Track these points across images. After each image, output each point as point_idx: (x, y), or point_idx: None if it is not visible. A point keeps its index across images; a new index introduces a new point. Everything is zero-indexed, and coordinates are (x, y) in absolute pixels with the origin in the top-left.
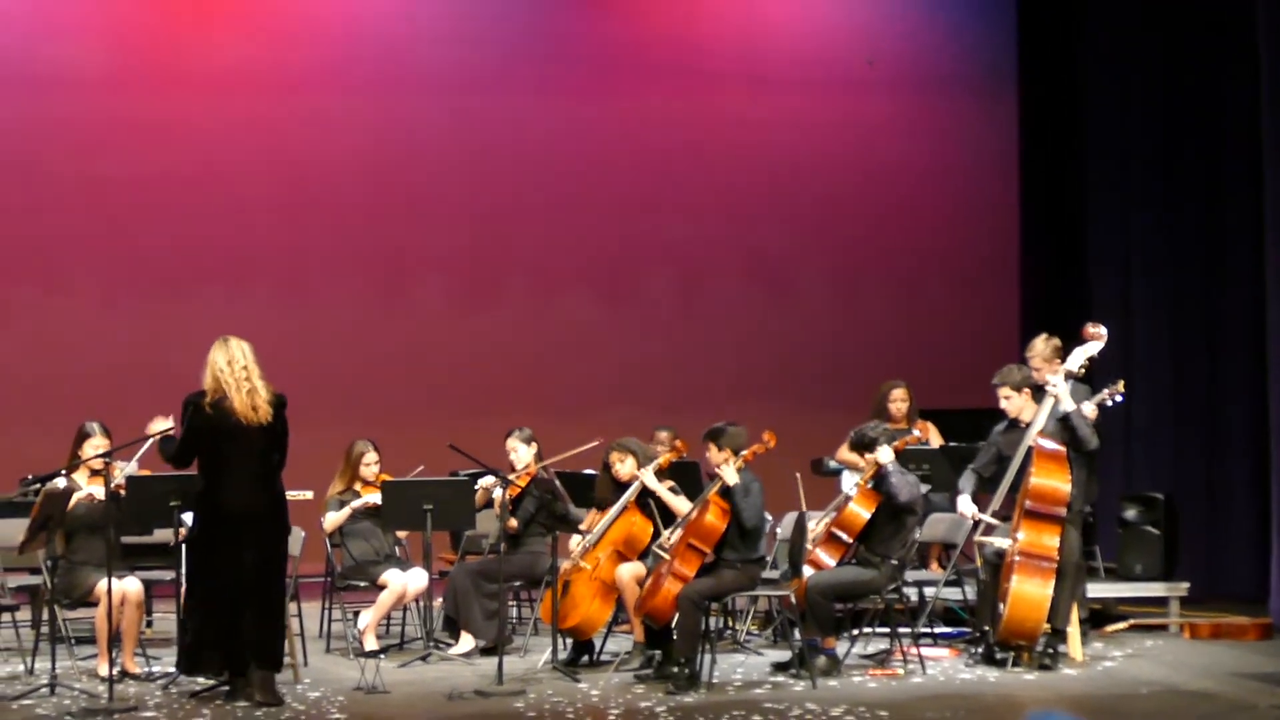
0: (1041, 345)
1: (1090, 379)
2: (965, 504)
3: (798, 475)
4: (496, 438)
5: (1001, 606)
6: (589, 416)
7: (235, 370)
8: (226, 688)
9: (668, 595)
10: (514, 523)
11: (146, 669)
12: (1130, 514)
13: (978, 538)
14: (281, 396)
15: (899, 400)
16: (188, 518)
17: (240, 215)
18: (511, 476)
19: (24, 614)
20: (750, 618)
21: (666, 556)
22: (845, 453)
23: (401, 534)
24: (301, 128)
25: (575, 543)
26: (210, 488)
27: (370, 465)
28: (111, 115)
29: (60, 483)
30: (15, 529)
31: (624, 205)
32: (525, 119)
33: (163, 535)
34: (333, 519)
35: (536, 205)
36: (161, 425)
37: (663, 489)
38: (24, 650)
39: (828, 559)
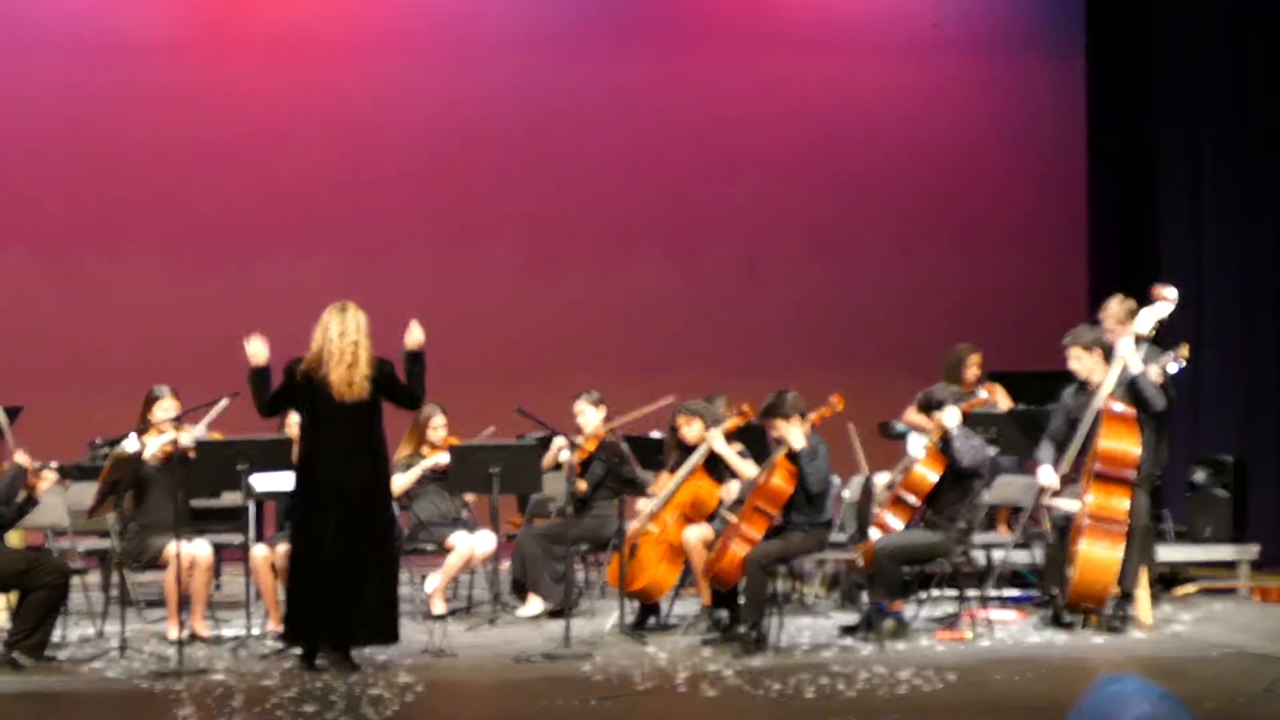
0: (1116, 306)
1: (1160, 341)
2: (1047, 475)
3: (850, 426)
4: (564, 401)
5: (1070, 570)
6: (655, 380)
7: (344, 342)
8: (299, 651)
9: (735, 558)
10: (583, 485)
11: (215, 632)
12: (1199, 477)
13: (1046, 501)
14: (386, 365)
15: (974, 365)
16: (256, 481)
17: (306, 181)
18: (579, 440)
19: (94, 577)
20: (817, 580)
21: (734, 519)
22: (912, 415)
23: (469, 497)
24: (367, 93)
25: (642, 506)
26: (305, 459)
27: (438, 429)
28: (176, 81)
29: (129, 446)
30: (85, 493)
31: (691, 169)
32: (593, 83)
33: (231, 499)
34: (400, 482)
35: (604, 170)
36: (261, 353)
37: (730, 452)
38: (94, 613)
39: (895, 522)
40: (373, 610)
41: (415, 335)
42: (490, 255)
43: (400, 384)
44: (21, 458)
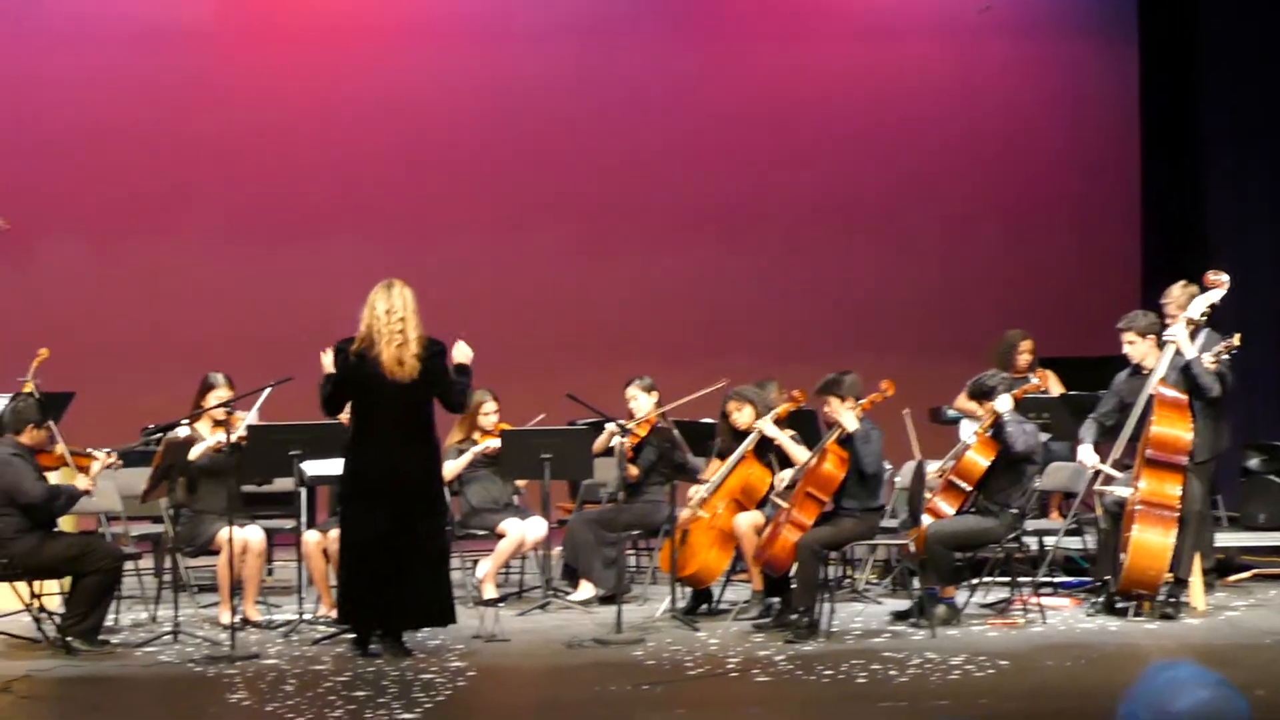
0: (1178, 291)
1: (1214, 326)
2: (1087, 453)
3: (906, 412)
4: (616, 386)
5: (1122, 556)
6: (705, 366)
7: (392, 320)
8: (352, 635)
9: (786, 544)
10: (635, 471)
11: (268, 617)
12: (1253, 463)
13: (1098, 486)
14: (437, 345)
15: (1025, 352)
16: (308, 467)
17: (358, 165)
18: (631, 425)
19: (147, 562)
20: (869, 566)
21: (785, 505)
22: (963, 401)
23: (520, 483)
24: (420, 76)
25: (694, 491)
26: (355, 441)
27: (489, 414)
28: (228, 67)
29: (182, 432)
30: (138, 478)
31: (741, 154)
32: (643, 69)
33: (283, 484)
34: (451, 467)
35: (655, 154)
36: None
37: (783, 437)
38: (147, 598)
39: (947, 508)
40: (426, 594)
41: (462, 351)
42: (541, 240)
43: (448, 374)
44: (99, 457)
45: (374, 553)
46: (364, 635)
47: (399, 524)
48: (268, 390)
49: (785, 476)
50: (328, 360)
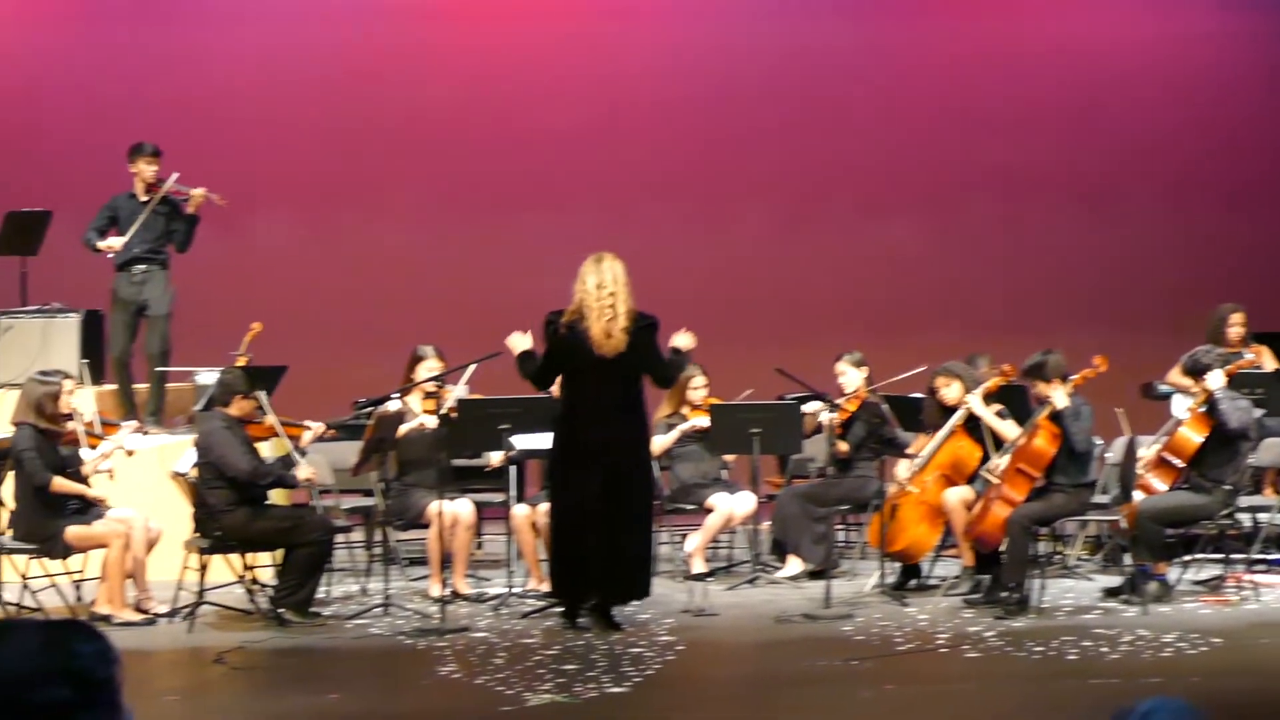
0: None
1: None
2: None
3: (1118, 411)
4: (824, 361)
5: None
6: (913, 340)
7: (602, 294)
8: (561, 609)
9: (997, 519)
10: (845, 446)
11: (477, 590)
12: None
13: None
14: (646, 320)
15: (1236, 325)
16: (518, 440)
17: (563, 139)
18: (840, 400)
19: (358, 535)
20: (1080, 542)
21: (995, 481)
22: (1176, 376)
23: (729, 457)
24: (623, 52)
25: (903, 467)
26: (565, 413)
27: (698, 389)
28: (432, 42)
29: (393, 406)
30: (349, 451)
31: (948, 126)
32: (848, 41)
33: (493, 458)
34: (660, 442)
35: (859, 127)
36: (522, 342)
37: (990, 413)
38: (358, 571)
39: (1159, 484)
40: (628, 568)
41: (684, 340)
42: (747, 214)
43: (657, 349)
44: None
45: (583, 523)
46: (573, 609)
47: (607, 494)
48: (475, 365)
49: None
50: (517, 341)
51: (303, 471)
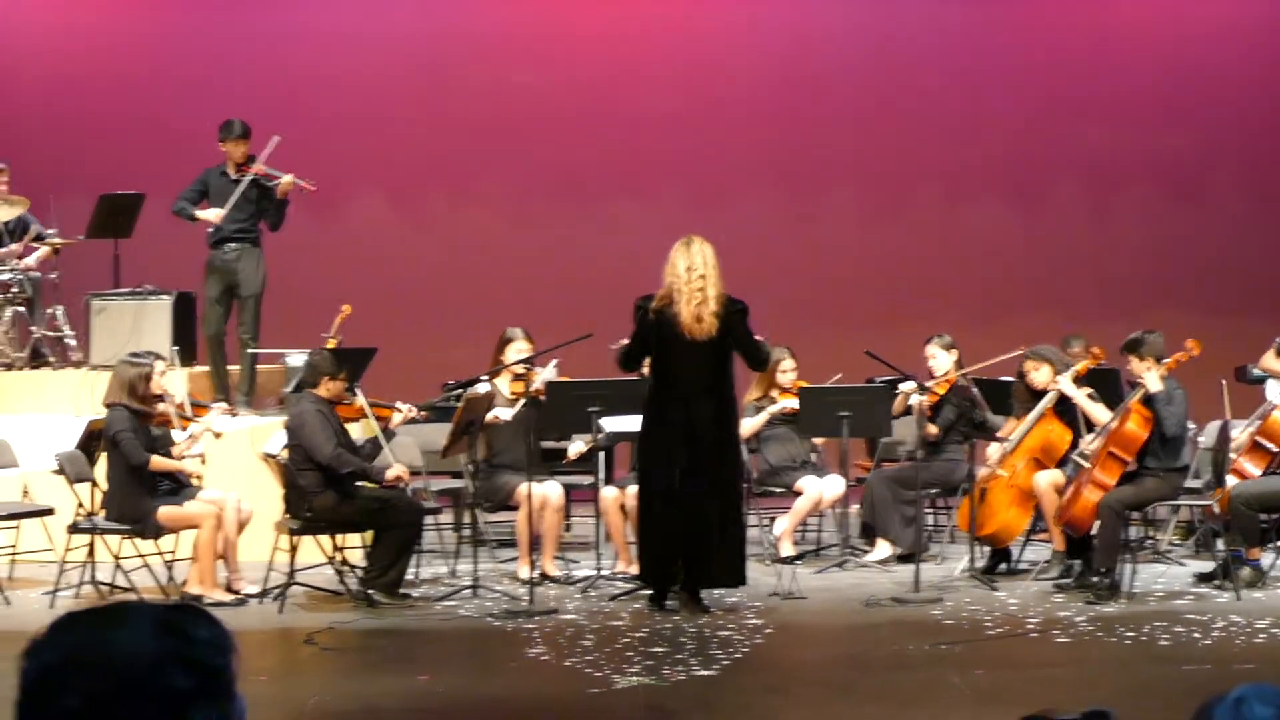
0: None
1: None
2: None
3: (1223, 382)
4: (914, 344)
5: None
6: (1003, 323)
7: (692, 278)
8: (649, 592)
9: (1088, 504)
10: (934, 429)
11: (566, 572)
12: None
13: None
14: (737, 305)
15: None
16: (606, 423)
17: (650, 123)
18: (930, 384)
19: (447, 517)
20: (1172, 527)
21: (1086, 465)
22: (1270, 361)
23: (818, 440)
24: (713, 36)
25: (993, 450)
26: (654, 395)
27: (787, 372)
28: (522, 26)
29: (482, 388)
30: (438, 433)
31: (1036, 111)
32: (937, 26)
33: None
34: (749, 425)
35: (948, 112)
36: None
37: (1081, 396)
38: (447, 552)
39: (1252, 468)
40: (721, 552)
41: None
42: (838, 197)
43: (749, 332)
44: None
45: (671, 505)
46: (661, 591)
47: (695, 476)
48: (562, 347)
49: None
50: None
51: (391, 472)
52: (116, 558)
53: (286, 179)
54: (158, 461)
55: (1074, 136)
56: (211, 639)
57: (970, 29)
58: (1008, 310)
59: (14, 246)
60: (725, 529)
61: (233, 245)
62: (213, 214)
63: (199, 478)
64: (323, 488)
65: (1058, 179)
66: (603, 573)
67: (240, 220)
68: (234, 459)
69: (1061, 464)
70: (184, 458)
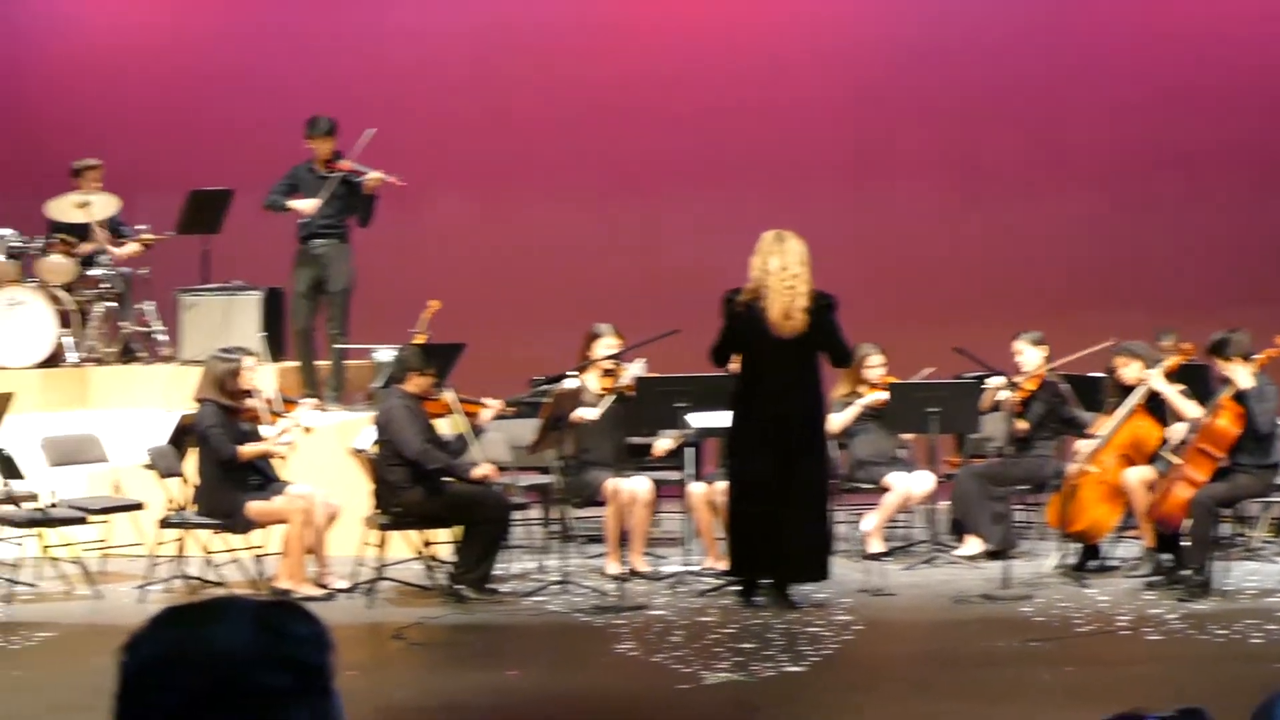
0: None
1: None
2: None
3: None
4: (1003, 340)
5: None
6: (1093, 318)
7: (785, 276)
8: (737, 588)
9: (1179, 500)
10: (1024, 425)
11: (654, 568)
12: None
13: None
14: (825, 299)
15: None
16: (693, 419)
17: (727, 114)
18: (1019, 379)
19: (535, 512)
20: (1264, 524)
21: (1177, 461)
22: None
23: (906, 436)
24: (789, 24)
25: (1082, 446)
26: (741, 391)
27: (875, 367)
28: (595, 18)
29: (570, 383)
30: (526, 429)
31: (1129, 100)
32: (1019, 12)
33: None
34: (838, 420)
35: (1033, 98)
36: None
37: (1172, 391)
38: (535, 548)
39: None
40: (805, 547)
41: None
42: (925, 190)
43: (836, 328)
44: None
45: (759, 501)
46: (750, 587)
47: (782, 469)
48: (650, 343)
49: (1179, 431)
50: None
51: (478, 470)
52: (206, 552)
53: (374, 175)
54: (246, 450)
55: (1166, 126)
56: (310, 636)
57: (1054, 16)
58: (1098, 304)
59: (103, 243)
60: (810, 524)
61: (321, 241)
62: (306, 204)
63: (283, 458)
64: (412, 483)
65: (1148, 170)
66: (691, 568)
67: (328, 216)
68: (323, 454)
69: (1152, 460)
70: (275, 448)
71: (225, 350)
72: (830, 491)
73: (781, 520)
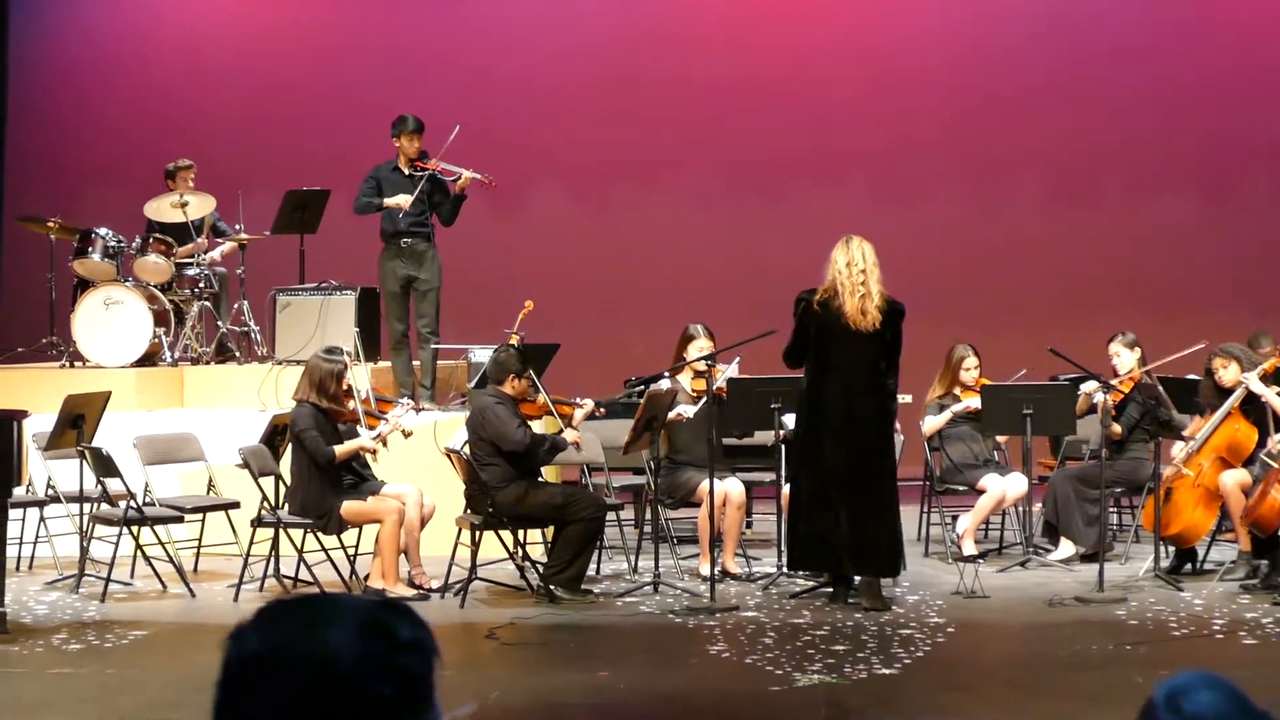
0: None
1: None
2: None
3: None
4: (1098, 341)
5: None
6: (1189, 319)
7: (853, 273)
8: (829, 589)
9: (1275, 504)
10: (1118, 428)
11: (747, 569)
12: None
13: None
14: (898, 305)
15: None
16: (788, 420)
17: (830, 114)
18: (1114, 381)
19: (628, 513)
20: None
21: (1274, 464)
22: None
23: (1001, 438)
24: (892, 26)
25: (1178, 449)
26: (813, 388)
27: (970, 369)
28: (702, 18)
29: (664, 384)
30: (620, 430)
31: (1226, 100)
32: (1120, 15)
33: (763, 437)
34: (932, 423)
35: (1133, 102)
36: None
37: (1269, 394)
38: (628, 548)
39: None
40: (875, 542)
41: None
42: (1020, 191)
43: (899, 338)
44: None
45: (825, 492)
46: (843, 589)
47: (850, 465)
48: (744, 344)
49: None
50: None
51: (570, 434)
52: (300, 551)
53: (466, 175)
54: (342, 449)
55: (1262, 125)
56: (415, 641)
57: (1161, 17)
58: (1194, 305)
59: (201, 242)
60: (881, 520)
61: (407, 240)
62: (400, 199)
63: (374, 453)
64: (505, 483)
65: (1245, 170)
66: (784, 570)
67: (416, 215)
68: (417, 454)
69: (1248, 463)
70: (372, 450)
71: (328, 351)
72: (896, 488)
73: (845, 511)
